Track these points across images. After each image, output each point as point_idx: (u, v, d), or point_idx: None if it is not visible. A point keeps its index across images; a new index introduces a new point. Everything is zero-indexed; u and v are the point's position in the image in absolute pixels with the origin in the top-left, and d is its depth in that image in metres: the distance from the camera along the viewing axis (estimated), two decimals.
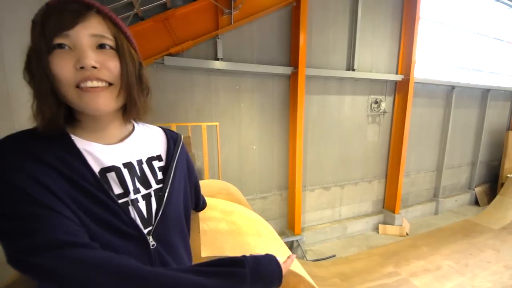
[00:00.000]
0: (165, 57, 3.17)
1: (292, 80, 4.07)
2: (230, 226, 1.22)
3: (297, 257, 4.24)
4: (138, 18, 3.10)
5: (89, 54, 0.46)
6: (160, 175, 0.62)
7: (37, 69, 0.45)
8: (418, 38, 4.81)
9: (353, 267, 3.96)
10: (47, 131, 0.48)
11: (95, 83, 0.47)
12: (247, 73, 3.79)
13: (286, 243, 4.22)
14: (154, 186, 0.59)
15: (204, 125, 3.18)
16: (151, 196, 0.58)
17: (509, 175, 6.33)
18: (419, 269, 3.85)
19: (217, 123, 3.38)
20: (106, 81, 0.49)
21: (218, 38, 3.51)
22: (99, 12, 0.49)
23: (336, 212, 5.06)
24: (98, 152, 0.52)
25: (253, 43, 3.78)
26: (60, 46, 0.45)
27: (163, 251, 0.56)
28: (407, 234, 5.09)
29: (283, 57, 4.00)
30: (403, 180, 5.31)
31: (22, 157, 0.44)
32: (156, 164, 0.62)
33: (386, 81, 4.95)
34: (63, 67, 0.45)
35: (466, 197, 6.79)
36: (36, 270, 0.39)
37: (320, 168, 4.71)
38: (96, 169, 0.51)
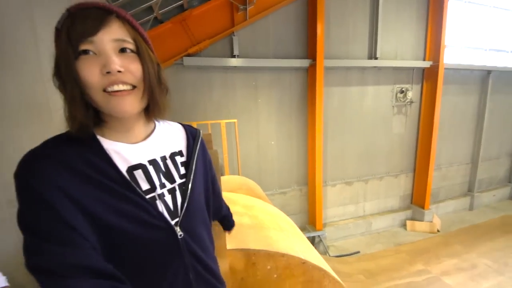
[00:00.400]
0: (184, 58, 3.26)
1: (310, 72, 3.99)
2: (252, 220, 1.25)
3: (319, 253, 4.21)
4: (157, 21, 3.21)
5: (114, 59, 0.49)
6: (182, 170, 0.65)
7: (66, 75, 0.48)
8: (448, 20, 4.46)
9: (379, 264, 3.85)
10: (79, 134, 0.51)
11: (121, 87, 0.50)
12: (263, 68, 3.78)
13: (307, 238, 4.20)
14: (178, 180, 0.63)
15: (223, 122, 3.24)
16: (175, 190, 0.62)
17: None
18: (451, 267, 3.65)
19: (235, 120, 3.42)
20: (130, 84, 0.52)
21: (234, 35, 3.53)
22: (119, 17, 0.51)
23: (359, 208, 4.92)
24: (124, 152, 0.56)
25: (269, 37, 3.74)
26: (86, 52, 0.48)
27: (190, 240, 0.60)
28: (438, 231, 4.82)
29: (300, 50, 3.93)
30: (433, 174, 5.02)
31: (54, 166, 0.47)
32: (179, 159, 0.66)
33: (412, 68, 4.67)
34: (90, 72, 0.48)
35: (506, 191, 6.25)
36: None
37: (341, 163, 4.59)
38: (124, 168, 0.54)
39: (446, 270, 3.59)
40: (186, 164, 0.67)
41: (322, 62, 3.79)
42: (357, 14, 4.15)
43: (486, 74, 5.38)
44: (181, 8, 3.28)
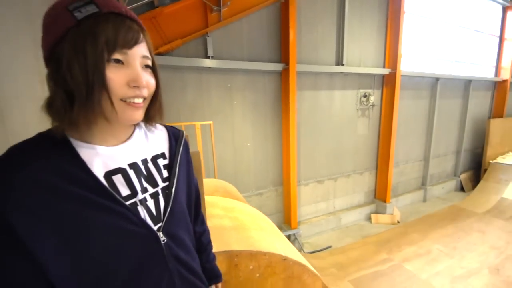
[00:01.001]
0: (154, 57, 3.12)
1: (283, 76, 4.10)
2: (233, 222, 1.25)
3: None
4: None
5: (143, 75, 0.51)
6: (165, 173, 0.63)
7: (93, 76, 0.45)
8: (404, 32, 4.94)
9: (349, 257, 4.08)
10: (58, 134, 0.48)
11: (140, 100, 0.52)
12: (238, 70, 3.79)
13: None
14: (161, 184, 0.61)
15: (198, 124, 3.17)
16: (158, 194, 0.60)
17: (491, 161, 6.66)
18: (411, 254, 4.02)
19: (211, 122, 3.38)
20: (145, 97, 0.53)
21: (208, 36, 3.49)
22: (144, 34, 0.53)
23: (330, 205, 5.18)
24: (102, 155, 0.52)
25: (243, 40, 3.77)
26: (117, 61, 0.48)
27: (173, 245, 0.59)
28: (398, 222, 5.28)
29: (273, 54, 4.03)
30: (393, 171, 5.49)
31: (23, 184, 0.42)
32: (161, 162, 0.64)
33: (374, 75, 5.06)
34: (118, 81, 0.48)
35: (452, 184, 7.09)
36: None
37: (313, 163, 4.79)
38: (101, 173, 0.51)
39: (406, 257, 3.94)
40: (169, 167, 0.65)
41: (294, 67, 3.93)
42: (325, 22, 4.39)
43: (435, 81, 6.06)
44: (152, 5, 3.15)
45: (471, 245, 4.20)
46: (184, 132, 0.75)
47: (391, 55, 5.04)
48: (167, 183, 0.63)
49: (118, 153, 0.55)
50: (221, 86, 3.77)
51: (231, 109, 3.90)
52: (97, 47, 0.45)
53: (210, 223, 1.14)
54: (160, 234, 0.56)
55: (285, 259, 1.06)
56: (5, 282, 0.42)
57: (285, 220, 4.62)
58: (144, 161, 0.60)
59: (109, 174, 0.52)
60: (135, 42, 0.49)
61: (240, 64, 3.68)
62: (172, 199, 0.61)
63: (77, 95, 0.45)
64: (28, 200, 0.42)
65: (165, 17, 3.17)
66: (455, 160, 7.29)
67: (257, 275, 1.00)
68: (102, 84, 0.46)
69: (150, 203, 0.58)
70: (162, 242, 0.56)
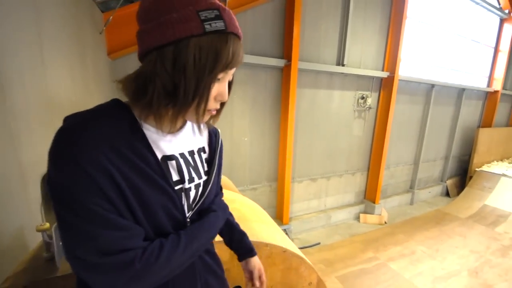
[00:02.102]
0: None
1: (284, 72, 4.11)
2: (235, 213, 1.27)
3: None
4: (128, 0, 2.94)
5: (227, 92, 0.55)
6: (206, 167, 0.67)
7: (204, 85, 0.48)
8: (404, 36, 5.00)
9: (337, 254, 4.20)
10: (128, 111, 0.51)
11: (215, 109, 0.57)
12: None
13: None
14: (203, 177, 0.65)
15: None
16: (200, 186, 0.64)
17: (477, 169, 6.92)
18: (396, 254, 4.17)
19: None
20: None
21: None
22: None
23: (321, 203, 5.28)
24: (161, 141, 0.55)
25: (247, 33, 3.74)
26: (218, 79, 0.51)
27: None
28: (385, 222, 5.44)
29: (276, 49, 4.02)
30: (383, 173, 5.62)
31: (99, 145, 0.44)
32: (203, 155, 0.68)
33: (372, 77, 5.13)
34: (213, 96, 0.52)
35: (439, 188, 7.33)
36: (92, 270, 0.43)
37: (308, 160, 4.85)
38: (159, 155, 0.54)
39: (391, 257, 4.09)
40: (208, 162, 0.69)
41: (296, 64, 3.94)
42: (329, 21, 4.39)
43: (430, 87, 6.20)
44: None
45: (453, 248, 4.39)
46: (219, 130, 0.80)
47: (391, 58, 5.11)
48: (206, 177, 0.66)
49: (173, 140, 0.58)
50: None
51: (230, 103, 3.89)
52: (217, 66, 0.48)
53: None
54: (188, 221, 0.60)
55: (285, 251, 1.10)
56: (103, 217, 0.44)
57: (277, 216, 4.69)
58: (191, 153, 0.63)
59: (165, 159, 0.56)
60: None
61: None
62: (207, 193, 0.65)
63: (181, 100, 0.48)
64: (105, 159, 0.44)
65: None
66: (443, 165, 7.53)
67: None
68: (207, 98, 0.50)
69: (192, 193, 0.62)
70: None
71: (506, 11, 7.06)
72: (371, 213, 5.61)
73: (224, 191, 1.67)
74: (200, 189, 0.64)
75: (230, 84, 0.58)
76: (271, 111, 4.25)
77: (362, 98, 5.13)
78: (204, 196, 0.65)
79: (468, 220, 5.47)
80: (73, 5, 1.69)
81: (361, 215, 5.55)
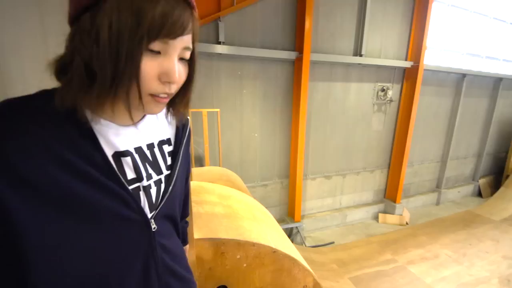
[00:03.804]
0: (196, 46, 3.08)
1: (296, 65, 3.98)
2: (226, 210, 1.24)
3: (296, 244, 4.34)
4: None
5: (178, 70, 0.44)
6: (169, 160, 0.61)
7: (127, 62, 0.38)
8: (431, 22, 4.60)
9: (351, 254, 4.04)
10: (65, 107, 0.40)
11: (166, 95, 0.46)
12: (249, 58, 3.71)
13: (286, 229, 4.31)
14: (165, 172, 0.59)
15: (204, 111, 3.17)
16: (161, 182, 0.58)
17: None
18: (416, 257, 3.92)
19: (218, 110, 3.36)
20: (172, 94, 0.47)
21: (220, 21, 3.41)
22: (194, 23, 0.44)
23: (336, 201, 5.11)
24: (113, 135, 0.47)
25: (257, 26, 3.66)
26: (154, 51, 0.41)
27: (161, 233, 0.57)
28: (406, 223, 5.14)
29: (287, 42, 3.89)
30: (406, 171, 5.29)
31: (23, 139, 0.37)
32: (166, 148, 0.61)
33: (394, 68, 4.81)
34: (151, 75, 0.41)
35: (469, 188, 6.76)
36: None
37: (322, 157, 4.70)
38: (109, 152, 0.47)
39: (411, 260, 3.85)
40: (173, 154, 0.62)
41: (308, 56, 3.79)
42: (345, 9, 4.16)
43: (461, 77, 5.68)
44: None
45: (482, 253, 4.03)
46: (189, 119, 0.72)
47: (415, 46, 4.74)
48: (169, 171, 0.60)
49: (129, 134, 0.50)
50: (231, 74, 3.71)
51: (240, 98, 3.86)
52: (138, 31, 0.37)
53: (202, 209, 1.13)
54: (152, 222, 0.54)
55: (274, 251, 1.05)
56: None
57: (289, 213, 4.62)
58: (150, 146, 0.56)
59: (118, 155, 0.49)
60: (182, 32, 0.41)
61: (252, 51, 3.59)
62: (170, 189, 0.59)
63: (100, 79, 0.38)
64: (30, 164, 0.37)
65: None
66: (475, 163, 6.92)
67: (244, 265, 0.99)
68: (134, 76, 0.39)
69: (153, 191, 0.56)
70: (153, 230, 0.54)
71: None
72: (391, 213, 5.32)
73: (221, 187, 1.66)
74: (163, 185, 0.58)
75: (192, 63, 0.49)
76: (282, 106, 4.15)
77: (382, 90, 4.84)
78: (168, 193, 0.59)
79: (502, 223, 4.97)
80: None
81: (380, 215, 5.28)
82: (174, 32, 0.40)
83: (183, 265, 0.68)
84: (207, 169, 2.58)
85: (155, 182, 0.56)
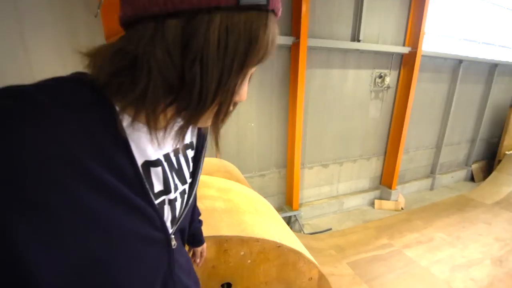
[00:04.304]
0: None
1: (293, 51, 3.84)
2: (226, 204, 1.18)
3: (294, 231, 4.37)
4: None
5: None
6: (191, 167, 0.53)
7: (226, 94, 0.35)
8: (429, 7, 4.47)
9: (348, 240, 4.10)
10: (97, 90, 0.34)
11: None
12: None
13: (284, 218, 4.32)
14: (188, 180, 0.52)
15: None
16: (185, 193, 0.51)
17: (507, 152, 6.36)
18: (412, 241, 4.00)
19: None
20: None
21: None
22: None
23: (333, 189, 5.13)
24: (146, 140, 0.40)
25: None
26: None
27: (178, 249, 0.51)
28: (402, 208, 5.22)
29: (283, 26, 3.74)
30: (402, 157, 5.31)
31: (43, 141, 0.27)
32: (189, 153, 0.53)
33: (392, 53, 4.70)
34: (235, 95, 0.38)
35: (462, 173, 6.88)
36: None
37: (319, 146, 4.66)
38: (139, 162, 0.39)
39: (407, 244, 3.93)
40: (195, 160, 0.55)
41: (305, 41, 3.65)
42: None
43: (457, 63, 5.62)
44: None
45: (475, 236, 4.13)
46: None
47: (413, 32, 4.62)
48: (191, 180, 0.53)
49: (160, 139, 0.41)
50: None
51: None
52: (250, 59, 0.34)
53: (202, 205, 1.07)
54: (172, 238, 0.48)
55: (279, 246, 1.00)
56: None
57: (287, 202, 4.62)
58: (176, 152, 0.49)
59: (148, 165, 0.41)
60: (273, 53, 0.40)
61: None
62: (191, 200, 0.52)
63: (195, 103, 0.34)
64: (45, 181, 0.27)
65: None
66: (469, 149, 7.00)
67: (249, 261, 0.95)
68: (230, 102, 0.37)
69: (178, 203, 0.49)
70: (173, 247, 0.48)
71: None
72: (387, 199, 5.39)
73: (220, 179, 1.59)
74: (185, 196, 0.51)
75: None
76: (279, 93, 4.04)
77: (380, 77, 4.75)
78: (189, 204, 0.52)
79: (494, 207, 5.10)
80: None
81: (376, 201, 5.35)
82: (271, 55, 0.39)
83: (196, 281, 0.63)
84: (205, 161, 2.51)
85: (180, 193, 0.49)
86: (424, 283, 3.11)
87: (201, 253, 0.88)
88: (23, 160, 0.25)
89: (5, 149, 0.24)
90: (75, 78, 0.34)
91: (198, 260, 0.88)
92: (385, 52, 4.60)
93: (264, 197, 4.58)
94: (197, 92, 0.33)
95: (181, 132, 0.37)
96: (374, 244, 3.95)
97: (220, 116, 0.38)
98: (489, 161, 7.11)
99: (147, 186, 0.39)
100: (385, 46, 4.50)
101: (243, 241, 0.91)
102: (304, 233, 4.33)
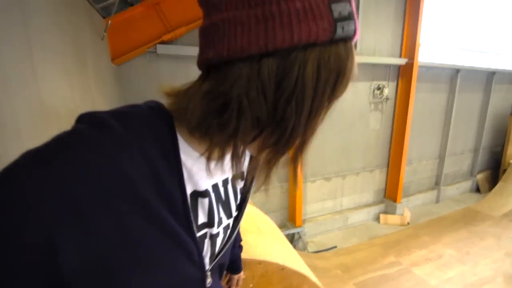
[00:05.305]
0: (158, 46, 3.00)
1: None
2: None
3: (298, 250, 4.29)
4: (126, 3, 2.94)
5: None
6: (239, 199, 0.52)
7: (317, 119, 0.37)
8: (423, 18, 4.68)
9: (354, 258, 4.03)
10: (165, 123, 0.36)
11: None
12: None
13: (287, 235, 4.26)
14: (234, 213, 0.50)
15: None
16: (228, 228, 0.49)
17: None
18: (420, 258, 3.93)
19: None
20: None
21: None
22: None
23: (337, 203, 5.09)
24: (198, 169, 0.39)
25: None
26: None
27: (213, 285, 0.49)
28: (408, 223, 5.17)
29: None
30: (405, 169, 5.33)
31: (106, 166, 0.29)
32: (239, 184, 0.51)
33: (389, 65, 4.85)
34: None
35: (468, 184, 6.88)
36: None
37: (321, 159, 4.68)
38: (188, 191, 0.39)
39: (415, 261, 3.86)
40: (244, 192, 0.53)
41: None
42: None
43: (455, 72, 5.79)
44: None
45: (485, 251, 4.08)
46: None
47: (409, 43, 4.80)
48: (237, 213, 0.51)
49: (213, 167, 0.40)
50: None
51: None
52: (339, 90, 0.35)
53: None
54: (208, 275, 0.46)
55: (283, 268, 0.99)
56: None
57: (290, 218, 4.57)
58: (225, 182, 0.47)
59: (196, 195, 0.41)
60: None
61: None
62: (234, 236, 0.51)
63: (286, 139, 0.35)
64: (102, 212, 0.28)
65: (169, 3, 3.04)
66: (472, 158, 7.05)
67: (251, 285, 0.93)
68: (315, 134, 0.38)
69: (220, 238, 0.47)
70: (208, 286, 0.46)
71: None
72: (392, 213, 5.35)
73: None
74: (228, 231, 0.50)
75: None
76: None
77: (378, 88, 4.87)
78: (231, 240, 0.50)
79: (502, 219, 5.06)
80: (69, 12, 1.67)
81: (381, 216, 5.30)
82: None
83: None
84: None
85: (224, 228, 0.48)
86: None
87: (237, 281, 0.87)
88: (85, 183, 0.27)
89: (70, 173, 0.26)
90: (147, 106, 0.38)
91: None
92: (382, 64, 4.74)
93: (267, 213, 4.52)
94: (290, 128, 0.34)
95: (239, 162, 0.37)
96: (381, 263, 3.87)
97: (305, 149, 0.40)
98: (494, 170, 7.13)
99: (192, 218, 0.38)
100: (381, 58, 4.65)
101: (246, 263, 0.90)
102: (308, 251, 4.25)
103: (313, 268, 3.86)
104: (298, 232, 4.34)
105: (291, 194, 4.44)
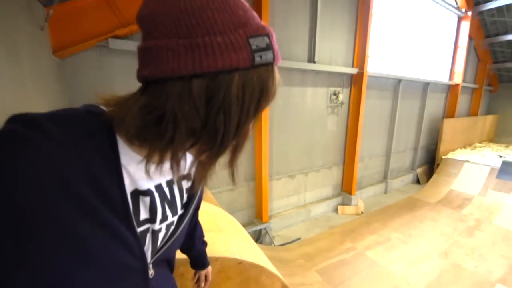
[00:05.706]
0: (110, 40, 2.66)
1: None
2: None
3: (265, 244, 4.31)
4: None
5: None
6: (185, 198, 0.52)
7: (241, 139, 0.42)
8: (371, 34, 5.07)
9: (317, 247, 4.17)
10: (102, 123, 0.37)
11: None
12: None
13: (254, 231, 4.25)
14: (179, 211, 0.51)
15: None
16: (172, 225, 0.49)
17: (443, 157, 7.25)
18: (372, 242, 4.22)
19: None
20: None
21: None
22: None
23: (301, 198, 5.25)
24: (137, 170, 0.41)
25: None
26: None
27: (157, 278, 0.48)
28: (362, 212, 5.53)
29: None
30: (358, 165, 5.70)
31: (52, 175, 0.29)
32: (185, 184, 0.52)
33: (343, 74, 5.16)
34: None
35: (410, 177, 7.61)
36: None
37: (285, 158, 4.78)
38: (129, 189, 0.41)
39: (368, 245, 4.13)
40: (190, 191, 0.53)
41: None
42: (299, 18, 4.33)
43: (397, 82, 6.37)
44: None
45: (424, 232, 4.53)
46: None
47: (359, 55, 5.16)
48: (182, 211, 0.52)
49: (152, 169, 0.41)
50: None
51: None
52: (262, 105, 0.39)
53: None
54: (150, 267, 0.46)
55: (240, 262, 0.97)
56: None
57: (257, 215, 4.58)
58: (170, 182, 0.49)
59: (137, 194, 0.42)
60: None
61: None
62: (179, 232, 0.51)
63: (218, 148, 0.39)
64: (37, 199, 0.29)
65: None
66: (413, 155, 7.82)
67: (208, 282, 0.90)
68: (246, 141, 0.43)
69: (161, 234, 0.47)
70: (150, 277, 0.45)
71: (463, 10, 7.43)
72: (348, 204, 5.68)
73: None
74: (172, 227, 0.49)
75: None
76: None
77: (334, 94, 5.15)
78: (175, 237, 0.50)
79: (437, 205, 5.69)
80: None
81: (339, 207, 5.59)
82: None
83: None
84: None
85: (167, 225, 0.48)
86: (385, 282, 3.27)
87: (206, 276, 0.88)
88: (20, 179, 0.27)
89: (5, 168, 0.27)
90: (86, 111, 0.37)
91: (202, 284, 0.87)
92: (337, 73, 5.02)
93: (234, 212, 4.45)
94: (221, 137, 0.38)
95: (178, 165, 0.39)
96: (339, 249, 4.07)
97: (238, 153, 0.43)
98: (430, 165, 8.01)
99: (132, 214, 0.40)
100: (336, 67, 4.92)
101: None
102: (274, 245, 4.30)
103: (278, 260, 3.90)
104: (265, 228, 4.36)
105: (257, 193, 4.45)
